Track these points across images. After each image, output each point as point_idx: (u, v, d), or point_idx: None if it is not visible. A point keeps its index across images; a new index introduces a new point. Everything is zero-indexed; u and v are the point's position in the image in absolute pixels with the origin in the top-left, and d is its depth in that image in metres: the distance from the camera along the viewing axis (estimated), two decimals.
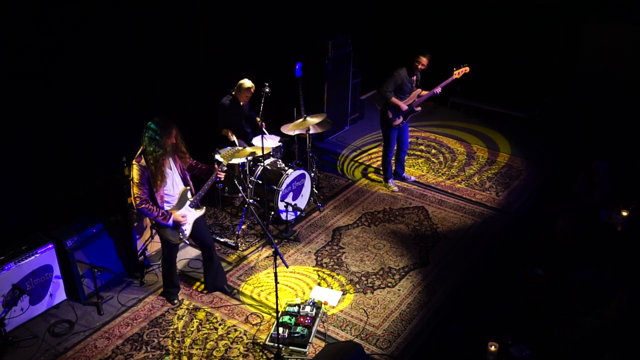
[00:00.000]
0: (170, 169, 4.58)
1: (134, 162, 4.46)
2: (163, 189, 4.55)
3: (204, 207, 4.95)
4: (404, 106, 6.46)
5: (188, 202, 4.77)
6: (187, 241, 4.83)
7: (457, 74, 6.43)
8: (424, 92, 6.53)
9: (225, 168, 4.89)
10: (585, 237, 5.44)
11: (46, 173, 5.20)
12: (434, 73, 6.61)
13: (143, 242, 5.52)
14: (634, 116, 7.70)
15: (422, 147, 8.08)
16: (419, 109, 6.62)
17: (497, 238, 6.11)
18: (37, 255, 4.77)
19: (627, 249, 5.29)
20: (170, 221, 4.62)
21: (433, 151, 7.95)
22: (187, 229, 4.79)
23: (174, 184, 4.64)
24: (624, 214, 5.51)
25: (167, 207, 4.65)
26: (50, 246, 4.84)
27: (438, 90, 6.43)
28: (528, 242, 5.86)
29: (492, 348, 4.19)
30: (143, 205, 4.48)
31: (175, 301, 5.11)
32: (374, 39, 9.48)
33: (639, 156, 7.00)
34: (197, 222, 4.87)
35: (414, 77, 6.51)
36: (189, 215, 4.77)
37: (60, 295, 5.05)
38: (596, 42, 8.09)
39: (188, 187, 4.76)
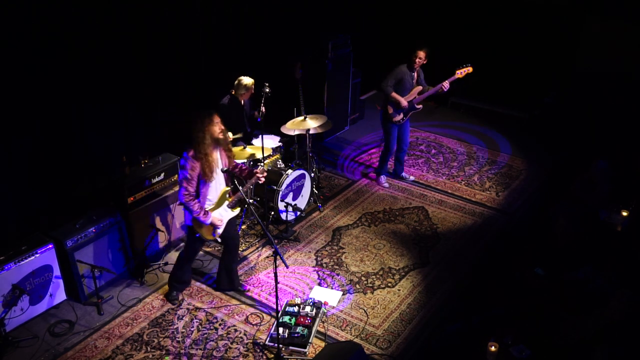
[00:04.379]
0: (217, 167, 4.62)
1: (189, 155, 4.46)
2: (208, 186, 4.60)
3: (239, 208, 4.99)
4: (404, 102, 6.42)
5: (226, 203, 4.83)
6: (218, 239, 4.96)
7: (460, 73, 6.39)
8: (430, 88, 6.49)
9: (262, 169, 4.95)
10: (585, 237, 5.43)
11: (46, 173, 5.21)
12: (435, 72, 6.60)
13: (144, 242, 5.52)
14: (634, 116, 7.70)
15: (422, 147, 8.08)
16: (420, 106, 6.59)
17: (497, 238, 6.11)
18: (37, 255, 4.76)
19: (627, 249, 5.29)
20: (209, 220, 4.67)
21: (433, 151, 7.95)
22: (221, 228, 4.86)
23: (217, 183, 4.69)
24: (624, 214, 5.51)
25: (207, 205, 4.70)
26: (50, 246, 4.84)
27: (446, 85, 6.37)
28: (528, 242, 5.86)
29: (492, 348, 4.19)
30: (189, 200, 4.53)
31: (176, 301, 5.12)
32: (374, 39, 9.48)
33: (639, 156, 6.98)
34: (229, 222, 4.93)
35: (414, 74, 6.50)
36: (224, 216, 4.83)
37: (60, 295, 5.05)
38: (596, 41, 8.09)
39: (228, 188, 4.82)
